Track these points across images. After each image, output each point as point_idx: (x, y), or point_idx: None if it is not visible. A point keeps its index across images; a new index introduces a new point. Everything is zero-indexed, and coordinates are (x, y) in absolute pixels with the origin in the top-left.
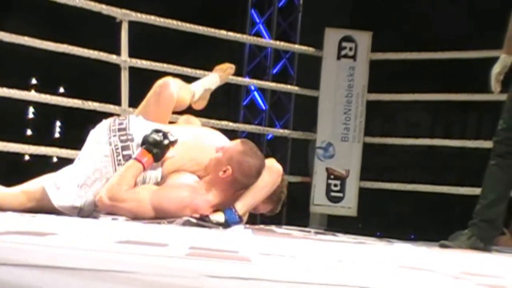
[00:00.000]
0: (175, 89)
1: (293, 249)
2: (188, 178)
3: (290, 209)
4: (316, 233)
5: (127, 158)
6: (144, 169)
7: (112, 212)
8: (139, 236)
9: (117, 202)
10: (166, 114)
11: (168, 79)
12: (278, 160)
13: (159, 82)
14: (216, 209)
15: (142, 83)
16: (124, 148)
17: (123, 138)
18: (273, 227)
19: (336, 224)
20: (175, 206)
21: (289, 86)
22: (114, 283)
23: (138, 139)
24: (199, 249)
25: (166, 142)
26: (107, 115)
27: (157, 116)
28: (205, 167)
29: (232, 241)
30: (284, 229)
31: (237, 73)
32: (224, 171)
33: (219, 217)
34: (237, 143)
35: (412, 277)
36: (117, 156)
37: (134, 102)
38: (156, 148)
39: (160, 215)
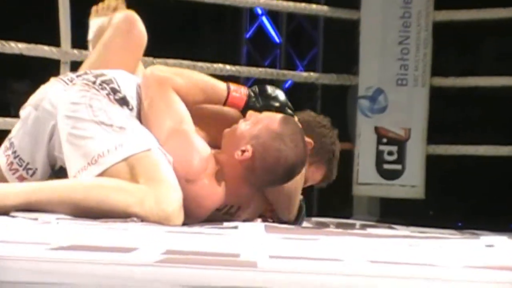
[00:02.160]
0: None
1: (320, 250)
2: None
3: (323, 192)
4: (364, 226)
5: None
6: (226, 101)
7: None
8: (91, 239)
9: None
10: (137, 60)
11: (132, 13)
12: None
13: (121, 16)
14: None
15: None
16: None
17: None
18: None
19: (393, 212)
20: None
21: (314, 6)
22: None
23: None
24: (177, 253)
25: (277, 104)
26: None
27: (125, 64)
28: (217, 134)
29: (234, 241)
30: (312, 223)
31: None
32: (242, 152)
33: None
34: (275, 118)
35: None
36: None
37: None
38: (262, 101)
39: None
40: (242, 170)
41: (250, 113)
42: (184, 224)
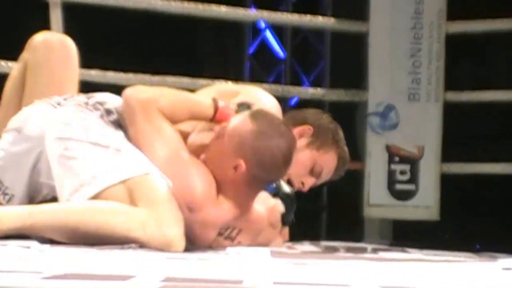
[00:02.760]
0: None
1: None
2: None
3: (333, 214)
4: (375, 250)
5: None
6: (214, 117)
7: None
8: (86, 267)
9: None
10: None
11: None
12: None
13: (48, 37)
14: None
15: None
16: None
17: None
18: (306, 244)
19: (407, 235)
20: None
21: (320, 19)
22: None
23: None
24: (177, 280)
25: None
26: None
27: (70, 83)
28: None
29: (237, 267)
30: (321, 247)
31: (238, 2)
32: (235, 168)
33: None
34: (244, 119)
35: None
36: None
37: None
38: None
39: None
40: (243, 182)
41: (215, 128)
42: (186, 250)
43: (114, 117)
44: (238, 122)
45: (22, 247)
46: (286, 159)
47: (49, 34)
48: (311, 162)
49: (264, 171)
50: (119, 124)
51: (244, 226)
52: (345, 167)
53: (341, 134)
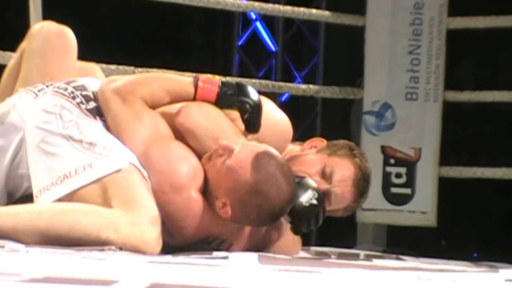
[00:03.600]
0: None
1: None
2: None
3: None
4: (368, 256)
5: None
6: (196, 96)
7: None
8: (66, 270)
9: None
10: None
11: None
12: (302, 135)
13: (46, 26)
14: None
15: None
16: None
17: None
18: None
19: (401, 241)
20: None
21: (314, 11)
22: None
23: None
24: (164, 286)
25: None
26: None
27: (64, 73)
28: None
29: (225, 274)
30: (311, 253)
31: None
32: (222, 204)
33: None
34: (246, 164)
35: None
36: None
37: None
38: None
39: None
40: (228, 216)
41: (220, 143)
42: (167, 248)
43: (93, 104)
44: (239, 163)
45: None
46: (274, 217)
47: (48, 24)
48: (320, 163)
49: (248, 221)
50: (99, 112)
51: (237, 240)
52: (368, 184)
53: (363, 155)
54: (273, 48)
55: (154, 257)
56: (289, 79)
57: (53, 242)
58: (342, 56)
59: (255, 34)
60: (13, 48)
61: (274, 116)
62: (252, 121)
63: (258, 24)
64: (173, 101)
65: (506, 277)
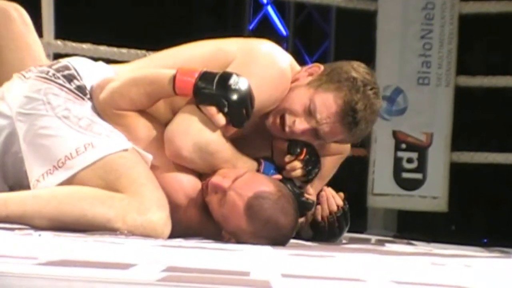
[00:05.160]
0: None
1: (338, 268)
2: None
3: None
4: (380, 241)
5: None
6: (175, 91)
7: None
8: (83, 254)
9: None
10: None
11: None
12: None
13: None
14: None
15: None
16: None
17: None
18: None
19: (412, 226)
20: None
21: None
22: None
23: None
24: (180, 270)
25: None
26: None
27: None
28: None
29: (240, 258)
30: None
31: None
32: (228, 238)
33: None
34: (241, 212)
35: None
36: None
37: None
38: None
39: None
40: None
41: (209, 184)
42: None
43: (77, 83)
44: (234, 214)
45: (5, 230)
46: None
47: (2, 3)
48: (306, 99)
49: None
50: (83, 91)
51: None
52: (356, 116)
53: (367, 83)
54: (284, 33)
55: (167, 241)
56: (300, 63)
57: (60, 228)
58: (354, 41)
59: (266, 19)
60: None
61: (263, 75)
62: (233, 117)
63: (269, 8)
64: (155, 102)
65: None
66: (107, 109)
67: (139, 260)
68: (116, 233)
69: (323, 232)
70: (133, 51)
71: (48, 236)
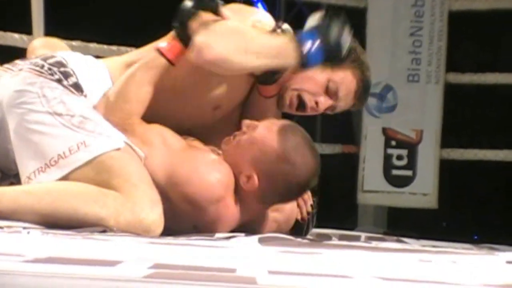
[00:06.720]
0: None
1: (325, 265)
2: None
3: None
4: (369, 238)
5: None
6: (170, 62)
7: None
8: (70, 251)
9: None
10: None
11: None
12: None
13: None
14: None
15: None
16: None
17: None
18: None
19: (402, 223)
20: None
21: None
22: None
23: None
24: (167, 267)
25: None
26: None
27: None
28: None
29: (228, 255)
30: (312, 235)
31: None
32: (247, 178)
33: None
34: (273, 132)
35: None
36: None
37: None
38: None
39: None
40: (253, 195)
41: (243, 122)
42: (168, 233)
43: (73, 80)
44: (266, 132)
45: None
46: (301, 189)
47: None
48: (325, 79)
49: (275, 195)
50: (78, 87)
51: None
52: (367, 92)
53: (362, 57)
54: None
55: (155, 239)
56: None
57: (52, 224)
58: None
59: None
60: (15, 29)
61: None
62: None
63: (259, 5)
64: (155, 86)
65: (507, 259)
66: (120, 121)
67: (126, 257)
68: (107, 229)
69: (302, 231)
70: (123, 48)
71: (36, 233)
